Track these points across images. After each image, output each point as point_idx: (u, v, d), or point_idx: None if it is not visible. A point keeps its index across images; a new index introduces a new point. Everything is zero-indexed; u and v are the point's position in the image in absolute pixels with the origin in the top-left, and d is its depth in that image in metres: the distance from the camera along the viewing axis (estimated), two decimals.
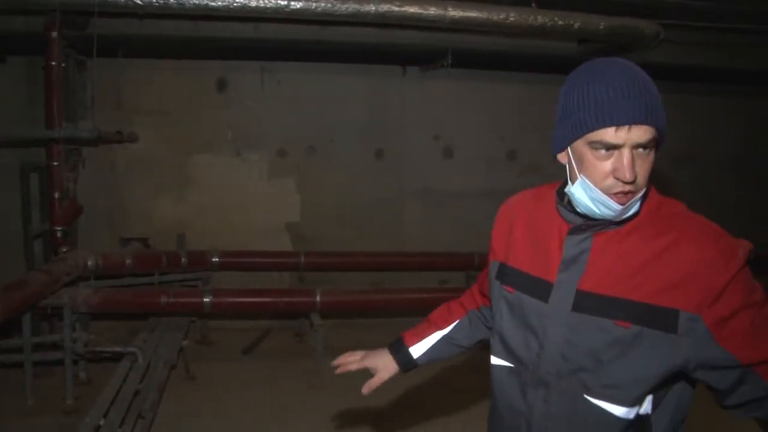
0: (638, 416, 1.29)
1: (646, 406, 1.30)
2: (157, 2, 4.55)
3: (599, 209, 1.26)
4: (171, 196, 6.14)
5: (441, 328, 1.81)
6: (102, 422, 3.33)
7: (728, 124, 7.24)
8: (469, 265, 6.26)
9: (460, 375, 4.79)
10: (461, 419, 4.25)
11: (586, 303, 1.29)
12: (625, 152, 1.20)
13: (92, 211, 5.71)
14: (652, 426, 1.31)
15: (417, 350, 1.79)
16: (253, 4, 4.65)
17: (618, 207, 1.24)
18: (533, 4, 5.12)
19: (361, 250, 6.30)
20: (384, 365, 1.77)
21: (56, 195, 5.06)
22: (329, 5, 4.70)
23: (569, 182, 1.33)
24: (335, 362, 1.84)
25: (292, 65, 6.21)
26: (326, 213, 6.43)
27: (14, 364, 4.33)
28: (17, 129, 5.44)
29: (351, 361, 1.82)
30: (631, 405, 1.27)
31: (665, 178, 6.30)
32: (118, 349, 4.41)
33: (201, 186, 6.17)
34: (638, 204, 1.28)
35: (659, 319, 1.20)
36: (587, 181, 1.25)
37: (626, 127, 1.19)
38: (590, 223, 1.32)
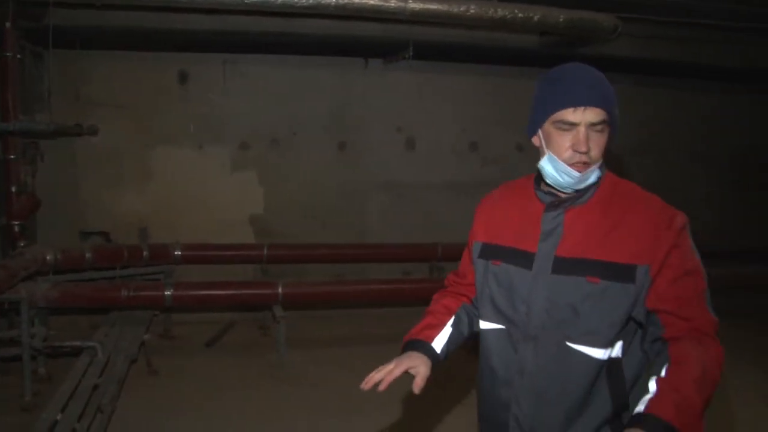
0: (611, 359, 1.55)
1: (617, 351, 1.56)
2: None
3: (563, 178, 1.55)
4: (132, 190, 6.08)
5: (447, 322, 1.87)
6: (59, 417, 3.30)
7: (689, 118, 7.38)
8: (432, 255, 6.32)
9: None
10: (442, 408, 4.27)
11: (562, 266, 1.57)
12: (581, 129, 1.51)
13: (51, 205, 5.63)
14: (623, 367, 1.57)
15: (437, 344, 1.82)
16: None
17: (577, 174, 1.53)
18: None
19: (324, 242, 6.32)
20: (421, 362, 1.72)
21: (13, 189, 5.00)
22: None
23: (540, 159, 1.60)
24: (366, 384, 1.67)
25: (255, 58, 6.18)
26: (290, 206, 6.44)
27: None
28: None
29: (386, 371, 1.67)
30: (605, 347, 1.54)
31: (627, 168, 6.42)
32: (77, 343, 4.37)
33: (163, 179, 6.12)
34: (595, 175, 1.56)
35: (621, 273, 1.50)
36: (552, 155, 1.55)
37: (582, 108, 1.49)
38: (561, 199, 1.61)
